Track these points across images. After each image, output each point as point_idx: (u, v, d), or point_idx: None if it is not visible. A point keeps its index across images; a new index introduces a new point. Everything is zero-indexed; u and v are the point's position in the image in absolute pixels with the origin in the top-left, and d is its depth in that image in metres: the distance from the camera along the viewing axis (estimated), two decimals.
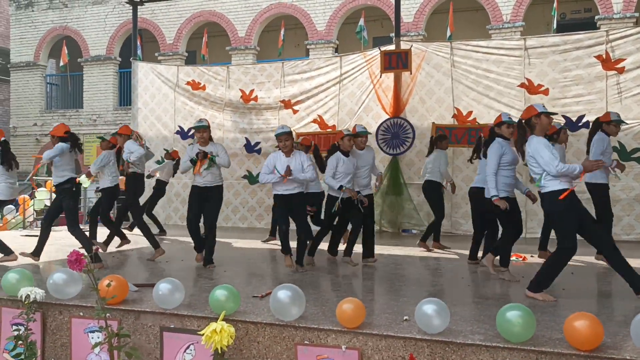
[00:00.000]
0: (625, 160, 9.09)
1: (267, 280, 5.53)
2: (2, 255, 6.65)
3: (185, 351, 4.08)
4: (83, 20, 18.82)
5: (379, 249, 8.12)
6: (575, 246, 4.49)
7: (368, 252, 6.71)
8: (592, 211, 5.57)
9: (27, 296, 4.19)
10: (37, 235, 6.99)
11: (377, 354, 3.61)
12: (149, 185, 9.51)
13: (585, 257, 6.41)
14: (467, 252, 6.76)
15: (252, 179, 11.45)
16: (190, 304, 4.38)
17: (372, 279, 5.86)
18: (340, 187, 6.15)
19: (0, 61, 22.36)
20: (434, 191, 7.93)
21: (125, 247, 7.92)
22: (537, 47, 9.61)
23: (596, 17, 13.85)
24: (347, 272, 6.17)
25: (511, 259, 6.44)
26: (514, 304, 3.48)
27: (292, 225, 6.15)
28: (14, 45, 19.89)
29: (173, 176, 10.29)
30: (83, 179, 7.72)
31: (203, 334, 3.76)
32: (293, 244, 6.16)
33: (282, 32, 12.42)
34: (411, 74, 10.24)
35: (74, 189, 6.45)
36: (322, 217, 7.15)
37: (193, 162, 6.24)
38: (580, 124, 9.09)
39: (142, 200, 9.20)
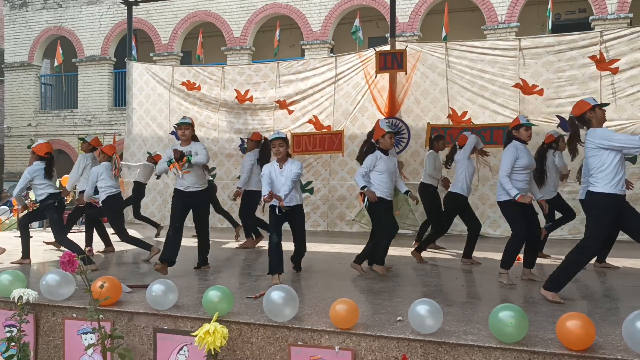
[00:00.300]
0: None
1: (261, 281, 5.52)
2: None
3: (178, 352, 4.07)
4: (78, 21, 18.76)
5: None
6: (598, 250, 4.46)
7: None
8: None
9: (20, 297, 4.18)
10: (32, 237, 6.98)
11: (371, 355, 3.62)
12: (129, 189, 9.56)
13: None
14: (459, 251, 6.79)
15: None
16: (183, 305, 4.37)
17: (366, 279, 5.86)
18: (363, 188, 5.78)
19: None
20: (423, 195, 7.79)
21: (112, 252, 7.88)
22: (532, 48, 9.64)
23: (590, 18, 13.89)
24: (341, 272, 6.17)
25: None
26: (506, 305, 3.48)
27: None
28: (8, 46, 19.82)
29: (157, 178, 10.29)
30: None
31: (196, 335, 3.76)
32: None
33: (277, 32, 12.42)
34: (406, 74, 10.26)
35: (56, 204, 6.45)
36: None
37: (169, 163, 5.92)
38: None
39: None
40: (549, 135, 6.98)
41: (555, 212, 6.95)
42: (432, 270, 6.32)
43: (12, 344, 4.12)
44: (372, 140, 6.00)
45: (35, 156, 6.58)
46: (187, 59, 17.98)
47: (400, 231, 10.35)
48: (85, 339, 4.29)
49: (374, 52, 10.39)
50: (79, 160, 8.02)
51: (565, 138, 7.09)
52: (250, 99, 11.72)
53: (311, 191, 11.15)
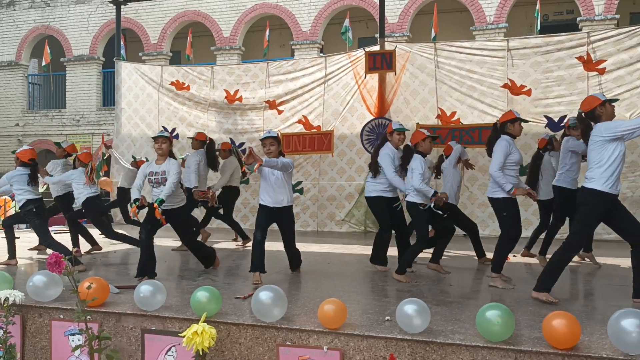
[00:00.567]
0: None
1: (249, 281, 5.51)
2: None
3: (166, 353, 4.06)
4: (65, 20, 18.64)
5: (363, 249, 8.16)
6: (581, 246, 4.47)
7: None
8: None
9: (6, 299, 4.14)
10: (18, 237, 6.94)
11: (359, 354, 3.63)
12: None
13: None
14: (451, 252, 6.82)
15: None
16: (171, 305, 4.36)
17: (355, 278, 5.88)
18: (435, 194, 5.53)
19: None
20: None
21: (100, 250, 7.86)
22: (520, 48, 9.69)
23: (578, 19, 14.00)
24: (330, 272, 6.18)
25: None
26: (493, 304, 3.51)
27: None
28: None
29: None
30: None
31: (184, 336, 3.75)
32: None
33: (267, 32, 12.41)
34: (395, 74, 10.29)
35: (34, 210, 6.41)
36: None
37: (131, 205, 5.60)
38: (562, 124, 9.16)
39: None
40: (541, 140, 7.03)
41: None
42: (421, 270, 6.34)
43: None
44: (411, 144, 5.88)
45: (19, 162, 6.56)
46: (176, 59, 17.92)
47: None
48: (73, 341, 4.26)
49: (364, 52, 10.41)
50: (48, 167, 7.95)
51: (558, 137, 7.21)
52: (240, 99, 11.70)
53: (301, 191, 11.15)
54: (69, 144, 8.22)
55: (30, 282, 4.48)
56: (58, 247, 6.18)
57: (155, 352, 4.09)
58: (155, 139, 5.82)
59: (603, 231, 8.80)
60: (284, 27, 16.70)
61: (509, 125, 5.30)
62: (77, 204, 7.23)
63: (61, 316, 4.34)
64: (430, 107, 10.24)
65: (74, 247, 7.39)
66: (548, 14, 15.38)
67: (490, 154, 5.34)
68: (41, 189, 7.06)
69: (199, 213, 8.78)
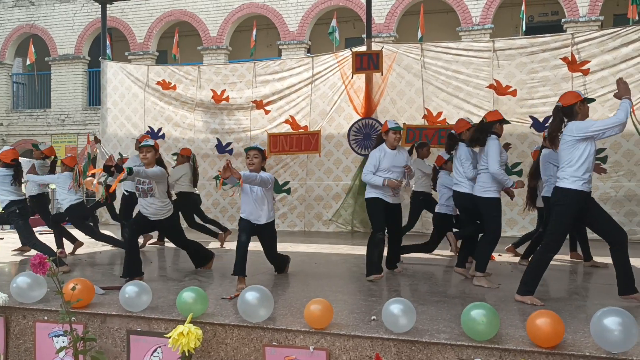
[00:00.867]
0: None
1: (236, 282, 5.49)
2: None
3: (152, 354, 4.04)
4: (50, 19, 18.47)
5: (350, 249, 8.18)
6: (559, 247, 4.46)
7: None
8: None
9: None
10: (2, 238, 6.87)
11: (345, 354, 3.63)
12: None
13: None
14: (439, 253, 6.85)
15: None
16: (157, 306, 4.34)
17: (342, 278, 5.89)
18: (513, 184, 5.37)
19: None
20: (414, 202, 7.72)
21: (82, 250, 7.80)
22: (505, 49, 9.77)
23: (563, 20, 14.13)
24: (317, 272, 6.18)
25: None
26: (478, 303, 3.53)
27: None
28: None
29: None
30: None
31: (170, 337, 3.74)
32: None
33: (254, 32, 12.39)
34: (382, 75, 10.33)
35: (17, 211, 6.37)
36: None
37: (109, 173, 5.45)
38: (546, 125, 9.25)
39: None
40: (534, 152, 7.11)
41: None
42: (407, 270, 6.37)
43: None
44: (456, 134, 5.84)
45: (2, 163, 6.50)
46: (162, 58, 17.83)
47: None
48: (57, 342, 4.23)
49: (351, 52, 10.43)
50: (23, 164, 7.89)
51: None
52: (227, 99, 11.67)
53: (288, 191, 11.16)
54: (47, 147, 8.12)
55: (14, 284, 4.43)
56: (42, 248, 6.14)
57: (140, 353, 4.07)
58: (139, 149, 5.79)
59: (589, 231, 9.02)
60: (271, 27, 16.69)
61: (497, 125, 5.39)
62: (61, 209, 7.16)
63: (45, 317, 4.30)
64: (416, 107, 10.29)
65: (58, 248, 7.33)
66: (533, 15, 15.51)
67: (472, 145, 5.51)
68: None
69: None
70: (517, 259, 6.90)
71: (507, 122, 5.53)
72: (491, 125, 5.35)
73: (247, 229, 5.32)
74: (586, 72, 9.23)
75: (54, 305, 4.32)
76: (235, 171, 4.89)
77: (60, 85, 18.46)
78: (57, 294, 3.77)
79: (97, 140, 10.12)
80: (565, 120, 4.46)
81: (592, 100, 4.66)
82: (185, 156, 8.50)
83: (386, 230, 5.79)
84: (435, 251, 7.09)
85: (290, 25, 16.28)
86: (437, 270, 6.42)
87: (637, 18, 9.52)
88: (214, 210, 11.57)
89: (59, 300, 3.88)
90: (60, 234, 7.56)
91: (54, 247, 6.94)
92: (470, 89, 9.96)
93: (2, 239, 7.10)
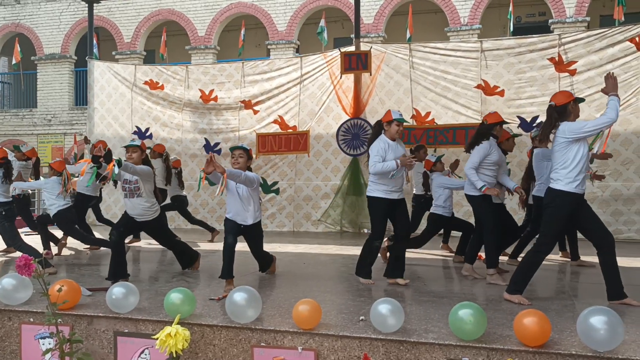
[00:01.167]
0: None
1: (224, 282, 5.47)
2: None
3: (139, 356, 4.02)
4: (36, 18, 18.30)
5: (339, 249, 8.18)
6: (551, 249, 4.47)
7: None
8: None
9: None
10: None
11: (333, 354, 3.63)
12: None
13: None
14: (427, 252, 6.86)
15: (212, 181, 11.34)
16: (144, 307, 4.32)
17: (331, 279, 5.88)
18: (482, 188, 5.27)
19: None
20: (415, 205, 7.76)
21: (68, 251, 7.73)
22: (493, 50, 9.81)
23: (550, 21, 14.23)
24: (306, 273, 6.18)
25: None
26: (466, 303, 3.55)
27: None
28: None
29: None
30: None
31: (157, 338, 3.72)
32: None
33: (242, 31, 12.35)
34: (371, 75, 10.34)
35: (3, 213, 6.27)
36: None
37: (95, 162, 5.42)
38: (534, 125, 9.31)
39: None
40: (529, 152, 7.14)
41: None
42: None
43: None
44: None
45: None
46: (150, 58, 17.73)
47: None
48: (43, 344, 4.19)
49: (339, 52, 10.43)
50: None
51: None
52: (215, 98, 11.63)
53: (277, 191, 11.14)
54: (29, 149, 8.03)
55: None
56: (28, 249, 6.07)
57: (128, 355, 4.04)
58: (126, 148, 5.74)
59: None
60: (260, 26, 16.65)
61: (497, 127, 5.43)
62: (49, 212, 7.06)
63: (31, 319, 4.26)
64: (405, 107, 10.29)
65: (44, 249, 7.26)
66: (521, 16, 15.60)
67: (469, 150, 5.45)
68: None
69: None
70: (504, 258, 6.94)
71: (507, 123, 5.57)
72: (491, 128, 5.41)
73: (234, 231, 5.26)
74: (573, 73, 9.30)
75: (39, 307, 4.28)
76: (219, 165, 4.83)
77: (46, 84, 18.30)
78: (43, 295, 3.73)
79: (86, 141, 10.04)
80: (557, 119, 4.45)
81: (582, 100, 4.67)
82: (158, 152, 8.41)
83: (384, 230, 5.53)
84: (424, 251, 7.12)
85: (278, 25, 16.26)
86: (426, 270, 6.44)
87: (623, 19, 9.60)
88: (202, 211, 11.52)
89: (45, 301, 3.85)
90: (47, 235, 7.50)
91: (39, 248, 6.87)
92: (458, 89, 9.99)
93: None
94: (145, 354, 4.00)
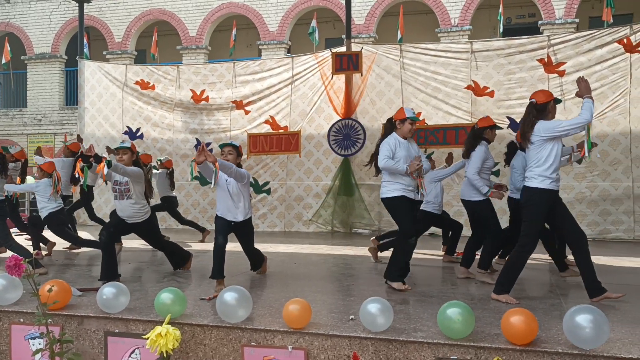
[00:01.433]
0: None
1: (214, 282, 5.48)
2: None
3: (130, 356, 4.02)
4: (26, 17, 18.21)
5: (330, 249, 8.21)
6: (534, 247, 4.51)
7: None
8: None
9: None
10: None
11: (323, 354, 3.66)
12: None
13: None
14: (417, 251, 6.88)
15: (203, 180, 11.35)
16: (135, 307, 4.32)
17: (322, 278, 5.91)
18: (488, 192, 5.37)
19: None
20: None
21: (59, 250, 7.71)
22: (483, 51, 9.89)
23: (539, 22, 14.33)
24: (296, 273, 6.20)
25: (458, 257, 6.65)
26: (454, 302, 3.58)
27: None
28: None
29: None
30: None
31: (148, 338, 3.73)
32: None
33: (233, 32, 12.36)
34: (362, 75, 10.39)
35: None
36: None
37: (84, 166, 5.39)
38: None
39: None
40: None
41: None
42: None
43: None
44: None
45: None
46: (141, 58, 17.68)
47: (357, 230, 10.54)
48: (33, 345, 4.18)
49: (330, 53, 10.47)
50: None
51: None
52: (207, 99, 11.63)
53: (268, 192, 11.16)
54: (18, 150, 7.98)
55: None
56: (19, 249, 6.05)
57: (118, 355, 4.04)
58: (117, 150, 5.73)
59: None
60: (251, 27, 16.65)
61: (488, 130, 5.49)
62: (42, 215, 7.04)
63: (21, 320, 4.26)
64: (396, 108, 10.28)
65: (34, 250, 7.24)
66: (511, 17, 15.70)
67: (466, 156, 5.50)
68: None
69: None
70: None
71: (500, 128, 5.62)
72: (482, 131, 5.48)
73: (224, 230, 5.26)
74: (562, 74, 9.39)
75: (30, 307, 4.28)
76: (210, 154, 4.81)
77: (36, 84, 18.20)
78: (33, 295, 3.73)
79: (79, 140, 10.00)
80: (535, 117, 4.47)
81: (560, 101, 4.72)
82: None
83: (414, 225, 5.16)
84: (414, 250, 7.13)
85: (270, 25, 16.27)
86: (415, 270, 6.47)
87: (611, 21, 9.69)
88: (193, 211, 11.52)
89: (35, 302, 3.85)
90: (38, 235, 7.47)
91: (30, 248, 6.85)
92: (448, 90, 10.06)
93: None
94: (136, 354, 4.01)
